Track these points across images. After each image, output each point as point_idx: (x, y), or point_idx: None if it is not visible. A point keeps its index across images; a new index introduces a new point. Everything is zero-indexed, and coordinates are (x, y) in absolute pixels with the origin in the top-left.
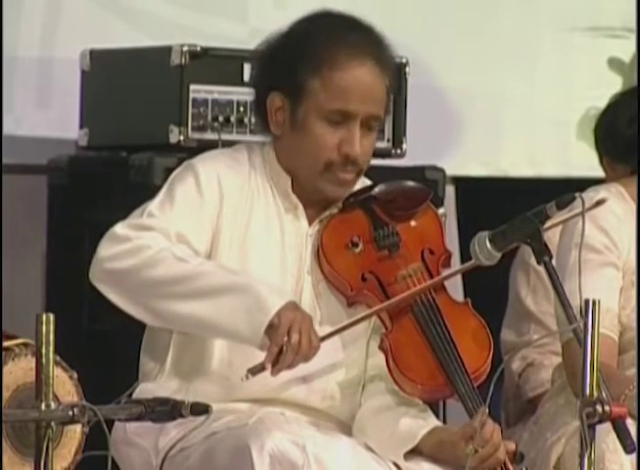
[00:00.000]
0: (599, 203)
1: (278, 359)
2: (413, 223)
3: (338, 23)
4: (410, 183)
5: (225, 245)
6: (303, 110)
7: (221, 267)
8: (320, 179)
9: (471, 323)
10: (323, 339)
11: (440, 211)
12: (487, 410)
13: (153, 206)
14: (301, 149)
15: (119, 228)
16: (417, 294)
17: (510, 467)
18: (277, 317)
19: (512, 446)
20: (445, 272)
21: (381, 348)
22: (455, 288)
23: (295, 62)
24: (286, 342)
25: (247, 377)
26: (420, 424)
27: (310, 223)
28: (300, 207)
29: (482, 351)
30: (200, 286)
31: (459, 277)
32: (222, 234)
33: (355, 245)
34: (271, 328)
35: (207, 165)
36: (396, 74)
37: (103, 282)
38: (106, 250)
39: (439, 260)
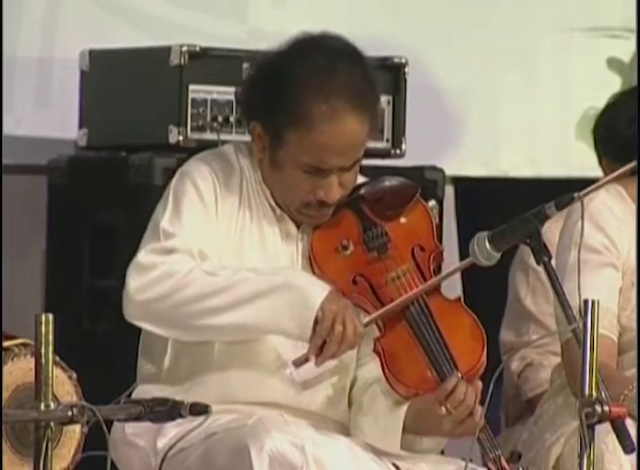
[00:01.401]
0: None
1: (322, 350)
2: (403, 220)
3: (318, 65)
4: (398, 180)
5: (221, 253)
6: (281, 155)
7: (255, 271)
8: (295, 212)
9: (463, 320)
10: (367, 324)
11: (430, 203)
12: (486, 410)
13: (164, 224)
14: (279, 185)
15: (142, 256)
16: (413, 298)
17: (507, 468)
18: (321, 311)
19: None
20: (442, 274)
21: (374, 351)
22: (454, 288)
23: (274, 110)
24: (329, 333)
25: (290, 371)
26: (399, 408)
27: (299, 227)
28: (285, 214)
29: (476, 347)
30: (239, 294)
31: (458, 277)
32: (219, 237)
33: (345, 248)
34: (316, 322)
35: (203, 171)
36: (378, 101)
37: (140, 318)
38: (134, 281)
39: (430, 257)
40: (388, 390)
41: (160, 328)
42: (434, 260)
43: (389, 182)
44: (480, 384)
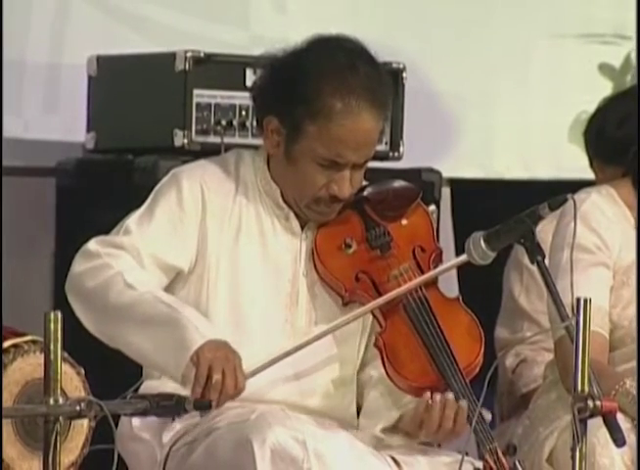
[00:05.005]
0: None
1: (204, 398)
2: (404, 222)
3: (340, 62)
4: (400, 183)
5: (214, 253)
6: (298, 148)
7: (160, 299)
8: (305, 208)
9: (462, 319)
10: (252, 374)
11: (431, 208)
12: (480, 406)
13: (131, 221)
14: (291, 180)
15: (92, 244)
16: (409, 290)
17: (503, 460)
18: (195, 355)
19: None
20: (437, 268)
21: (375, 346)
22: (450, 287)
23: (294, 102)
24: (208, 381)
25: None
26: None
27: (303, 226)
28: (292, 213)
29: (474, 345)
30: (137, 315)
31: (455, 276)
32: (209, 244)
33: (348, 246)
34: (192, 366)
35: (192, 176)
36: (393, 98)
37: (71, 297)
38: (79, 265)
39: (430, 258)
40: (388, 388)
41: (80, 315)
42: (434, 261)
43: (392, 185)
44: (463, 405)
